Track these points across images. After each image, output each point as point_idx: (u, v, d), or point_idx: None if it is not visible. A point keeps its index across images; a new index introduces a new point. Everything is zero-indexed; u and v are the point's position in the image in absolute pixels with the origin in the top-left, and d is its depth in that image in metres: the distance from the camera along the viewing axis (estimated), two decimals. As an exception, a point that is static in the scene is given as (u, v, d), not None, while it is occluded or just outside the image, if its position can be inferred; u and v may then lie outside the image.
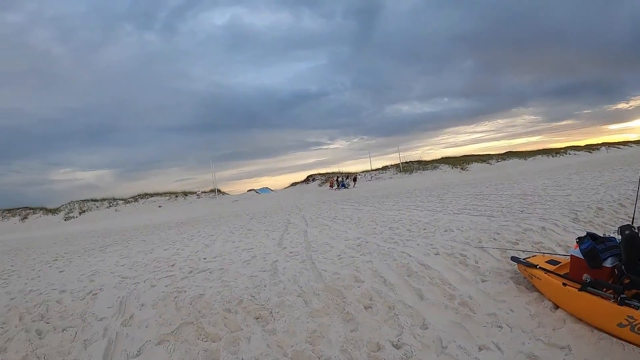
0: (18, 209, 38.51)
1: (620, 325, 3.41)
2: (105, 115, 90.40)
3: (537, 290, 4.57)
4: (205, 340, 3.98)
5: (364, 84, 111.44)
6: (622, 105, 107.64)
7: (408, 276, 5.24)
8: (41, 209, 38.54)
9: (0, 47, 74.43)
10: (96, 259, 9.76)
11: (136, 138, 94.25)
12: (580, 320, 3.84)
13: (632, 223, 4.83)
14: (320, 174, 49.92)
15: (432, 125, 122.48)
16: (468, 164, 45.87)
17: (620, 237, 4.03)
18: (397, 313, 4.17)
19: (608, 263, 4.08)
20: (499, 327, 3.84)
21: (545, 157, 49.50)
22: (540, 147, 59.47)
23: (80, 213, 37.51)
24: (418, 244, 6.97)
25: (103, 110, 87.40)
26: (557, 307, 4.15)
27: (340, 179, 40.93)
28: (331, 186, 40.30)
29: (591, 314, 3.78)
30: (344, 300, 4.58)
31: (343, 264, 6.11)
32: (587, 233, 4.48)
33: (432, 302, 4.42)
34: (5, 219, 36.82)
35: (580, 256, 4.18)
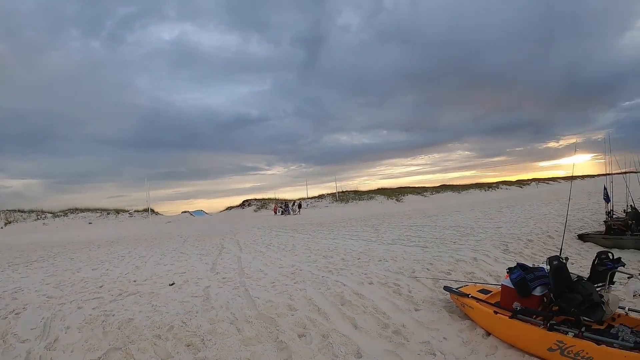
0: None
1: (550, 349, 3.58)
2: (42, 121, 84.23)
3: (469, 318, 4.62)
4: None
5: (306, 112, 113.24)
6: (552, 144, 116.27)
7: (342, 305, 5.13)
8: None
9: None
10: (20, 275, 9.04)
11: (71, 148, 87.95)
12: (512, 346, 3.94)
13: (560, 254, 4.99)
14: (256, 199, 49.28)
15: (370, 156, 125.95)
16: (403, 195, 47.09)
17: (548, 267, 4.13)
18: (331, 342, 4.07)
19: (537, 292, 4.19)
20: (433, 354, 3.83)
21: (478, 191, 51.89)
22: (474, 181, 62.50)
23: (5, 224, 34.51)
24: (352, 273, 6.84)
25: (40, 115, 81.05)
26: (489, 334, 4.23)
27: (284, 205, 40.61)
28: (275, 212, 39.83)
29: (522, 339, 3.92)
30: (278, 328, 4.44)
31: (277, 292, 5.94)
32: (517, 263, 4.58)
33: (366, 331, 4.35)
34: None
35: (511, 285, 4.27)
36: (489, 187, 53.40)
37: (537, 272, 4.31)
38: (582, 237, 9.91)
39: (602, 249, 8.71)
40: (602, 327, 3.80)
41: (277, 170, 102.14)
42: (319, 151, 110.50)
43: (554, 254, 7.98)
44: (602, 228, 10.13)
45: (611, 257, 4.47)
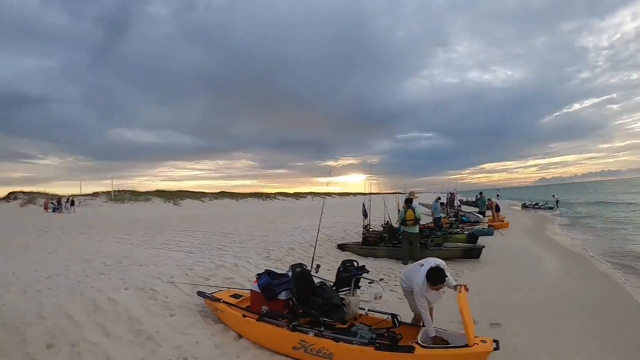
0: None
1: (295, 348, 3.95)
2: None
3: (222, 322, 4.80)
4: None
5: (93, 99, 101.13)
6: (331, 162, 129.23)
7: (94, 312, 4.89)
8: None
9: None
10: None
11: None
12: (262, 347, 4.25)
13: (312, 261, 5.63)
14: (24, 192, 41.68)
15: (154, 156, 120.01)
16: (182, 199, 45.98)
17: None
18: (80, 351, 3.91)
19: (283, 296, 4.59)
20: (185, 358, 3.91)
21: (256, 200, 53.97)
22: (254, 190, 64.70)
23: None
24: (110, 278, 6.51)
25: None
26: (240, 336, 4.47)
27: (56, 201, 35.37)
28: (46, 209, 34.26)
29: (269, 340, 4.25)
30: (24, 339, 4.08)
31: (27, 299, 5.36)
32: (266, 270, 4.96)
33: (118, 338, 4.24)
34: None
35: (258, 290, 4.57)
36: (267, 197, 56.12)
37: (283, 278, 4.70)
38: (341, 247, 11.19)
39: (357, 257, 10.07)
40: (345, 326, 4.31)
41: (52, 160, 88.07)
42: (101, 145, 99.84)
43: (313, 260, 8.88)
44: (361, 239, 11.55)
45: (356, 265, 5.16)
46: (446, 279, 3.98)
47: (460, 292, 3.80)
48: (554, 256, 10.72)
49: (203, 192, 53.24)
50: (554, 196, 40.41)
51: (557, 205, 36.91)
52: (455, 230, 13.67)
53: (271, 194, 60.13)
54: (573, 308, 6.13)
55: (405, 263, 9.41)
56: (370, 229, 12.42)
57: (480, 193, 23.40)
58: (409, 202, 10.21)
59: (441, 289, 4.01)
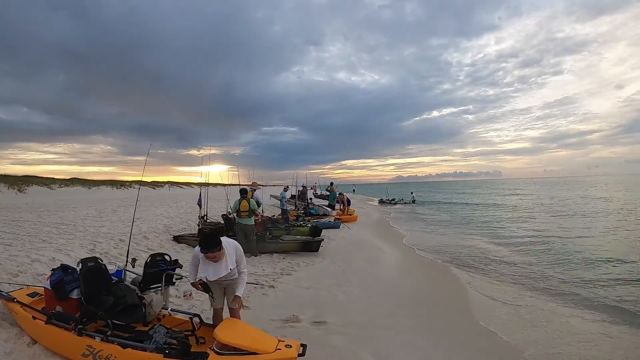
0: None
1: (84, 355, 3.58)
2: None
3: (18, 325, 4.31)
4: None
5: None
6: (193, 152, 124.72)
7: None
8: None
9: None
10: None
11: None
12: (55, 353, 3.85)
13: (127, 255, 5.27)
14: None
15: (4, 136, 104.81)
16: (28, 185, 40.97)
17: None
18: None
19: (74, 294, 4.16)
20: None
21: (109, 188, 49.99)
22: (112, 177, 59.83)
23: None
24: None
25: None
26: (35, 342, 4.01)
27: None
28: None
29: (58, 346, 3.84)
30: None
31: None
32: (61, 264, 4.49)
33: None
34: None
35: (49, 287, 4.14)
36: (122, 185, 52.37)
37: (77, 274, 4.23)
38: (177, 239, 10.82)
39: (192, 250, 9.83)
40: (146, 329, 3.98)
41: None
42: None
43: (144, 253, 8.51)
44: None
45: (168, 259, 4.75)
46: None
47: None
48: (394, 250, 11.67)
49: (53, 178, 47.88)
50: (412, 193, 44.29)
51: (413, 202, 40.38)
52: (299, 223, 14.04)
53: (127, 181, 56.31)
54: (406, 302, 6.54)
55: None
56: (208, 220, 12.20)
57: (331, 184, 24.53)
58: (243, 192, 9.96)
59: (219, 260, 3.72)
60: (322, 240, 10.51)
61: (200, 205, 12.25)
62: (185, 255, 9.06)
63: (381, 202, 41.04)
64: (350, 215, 19.77)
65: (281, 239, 10.72)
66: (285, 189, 19.18)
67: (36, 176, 48.15)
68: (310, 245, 10.18)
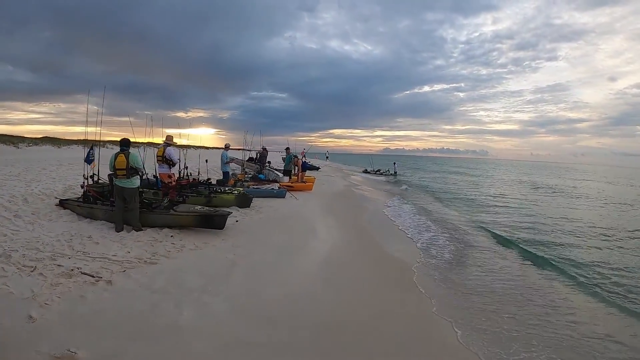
0: None
1: None
2: None
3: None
4: None
5: None
6: (181, 114, 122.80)
7: None
8: None
9: None
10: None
11: None
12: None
13: None
14: None
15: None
16: (-7, 144, 39.21)
17: None
18: None
19: None
20: None
21: (81, 148, 48.34)
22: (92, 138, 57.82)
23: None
24: None
25: None
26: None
27: None
28: None
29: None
30: None
31: None
32: None
33: None
34: None
35: None
36: (103, 146, 50.73)
37: None
38: (62, 204, 8.82)
39: (77, 217, 8.15)
40: None
41: None
42: None
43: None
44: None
45: None
46: None
47: None
48: (340, 234, 9.58)
49: (21, 137, 46.12)
50: (394, 164, 43.23)
51: (395, 173, 39.50)
52: (224, 189, 11.84)
53: (104, 141, 54.57)
54: (307, 341, 4.14)
55: (118, 230, 7.42)
56: (100, 180, 9.64)
57: (287, 149, 20.46)
58: (124, 144, 7.86)
59: None
60: (229, 214, 8.25)
61: (88, 162, 9.43)
62: (59, 225, 7.53)
63: (366, 172, 41.24)
64: (304, 182, 17.68)
65: (174, 210, 8.15)
66: (227, 148, 16.42)
67: (2, 134, 46.28)
68: (212, 220, 7.93)
